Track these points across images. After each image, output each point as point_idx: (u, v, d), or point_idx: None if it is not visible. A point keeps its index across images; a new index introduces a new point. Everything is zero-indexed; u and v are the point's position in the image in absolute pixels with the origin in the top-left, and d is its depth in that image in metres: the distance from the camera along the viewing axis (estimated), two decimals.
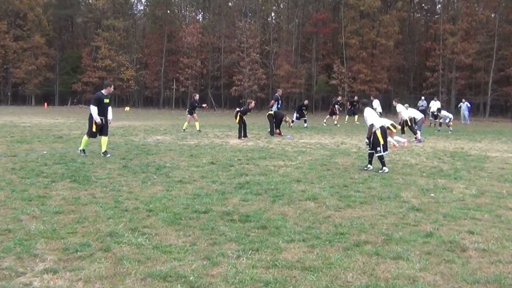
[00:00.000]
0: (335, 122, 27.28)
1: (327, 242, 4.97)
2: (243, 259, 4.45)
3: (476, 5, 49.30)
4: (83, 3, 66.22)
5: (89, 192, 7.18)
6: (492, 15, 48.18)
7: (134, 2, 64.04)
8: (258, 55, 52.29)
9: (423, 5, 60.36)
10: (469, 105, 34.19)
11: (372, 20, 50.49)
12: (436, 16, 55.44)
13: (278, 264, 4.32)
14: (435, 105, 27.40)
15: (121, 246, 4.69)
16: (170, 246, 4.73)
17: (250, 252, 4.60)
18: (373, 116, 10.00)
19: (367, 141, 10.13)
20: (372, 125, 9.84)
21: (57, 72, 59.79)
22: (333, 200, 6.96)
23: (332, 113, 27.90)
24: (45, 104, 53.16)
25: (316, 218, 5.94)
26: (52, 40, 60.92)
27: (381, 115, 19.85)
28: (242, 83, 51.26)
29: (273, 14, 64.02)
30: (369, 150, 10.16)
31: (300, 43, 54.63)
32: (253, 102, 20.95)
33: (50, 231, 5.11)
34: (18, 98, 60.33)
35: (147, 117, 33.31)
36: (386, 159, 10.24)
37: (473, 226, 5.74)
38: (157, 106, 58.27)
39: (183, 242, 4.88)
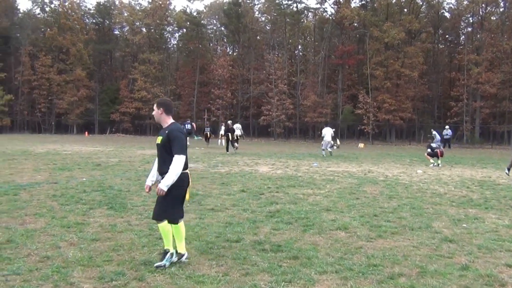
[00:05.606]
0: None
1: (360, 274, 4.88)
2: None
3: (500, 35, 50.02)
4: (121, 39, 69.57)
5: (125, 219, 7.28)
6: None
7: (168, 37, 67.34)
8: (285, 86, 54.39)
9: (447, 36, 61.78)
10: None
11: (396, 52, 51.61)
12: (460, 47, 56.32)
13: None
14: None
15: (155, 276, 4.72)
16: (203, 276, 4.73)
17: (283, 284, 4.55)
18: None
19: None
20: None
21: (97, 103, 62.59)
22: (364, 230, 6.89)
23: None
24: (86, 133, 55.33)
25: (348, 249, 5.85)
26: (92, 73, 64.12)
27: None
28: (270, 113, 53.38)
29: (300, 47, 66.52)
30: None
31: (326, 74, 56.55)
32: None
33: (86, 258, 5.18)
34: (61, 127, 63.72)
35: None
36: (414, 188, 10.50)
37: (510, 258, 5.57)
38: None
39: (215, 272, 4.88)
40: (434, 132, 32.09)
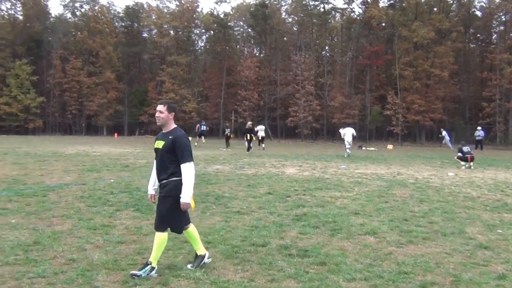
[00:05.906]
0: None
1: (390, 282, 4.69)
2: None
3: None
4: (149, 41, 70.67)
5: (151, 221, 6.96)
6: None
7: (195, 39, 68.00)
8: (312, 87, 54.12)
9: (478, 35, 60.55)
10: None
11: (426, 51, 50.81)
12: (492, 46, 54.80)
13: None
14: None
15: (179, 280, 4.63)
16: (227, 282, 4.62)
17: None
18: None
19: None
20: None
21: (126, 105, 63.91)
22: (393, 235, 6.65)
23: None
24: (115, 134, 56.25)
25: (377, 255, 5.65)
26: (121, 75, 65.26)
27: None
28: (297, 114, 53.17)
29: (327, 48, 66.20)
30: None
31: (353, 75, 56.12)
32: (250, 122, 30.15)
33: (111, 261, 5.13)
34: (91, 128, 65.28)
35: (208, 146, 32.98)
36: (445, 191, 10.29)
37: None
38: (217, 136, 61.13)
39: (240, 277, 4.76)
40: (444, 133, 31.34)
